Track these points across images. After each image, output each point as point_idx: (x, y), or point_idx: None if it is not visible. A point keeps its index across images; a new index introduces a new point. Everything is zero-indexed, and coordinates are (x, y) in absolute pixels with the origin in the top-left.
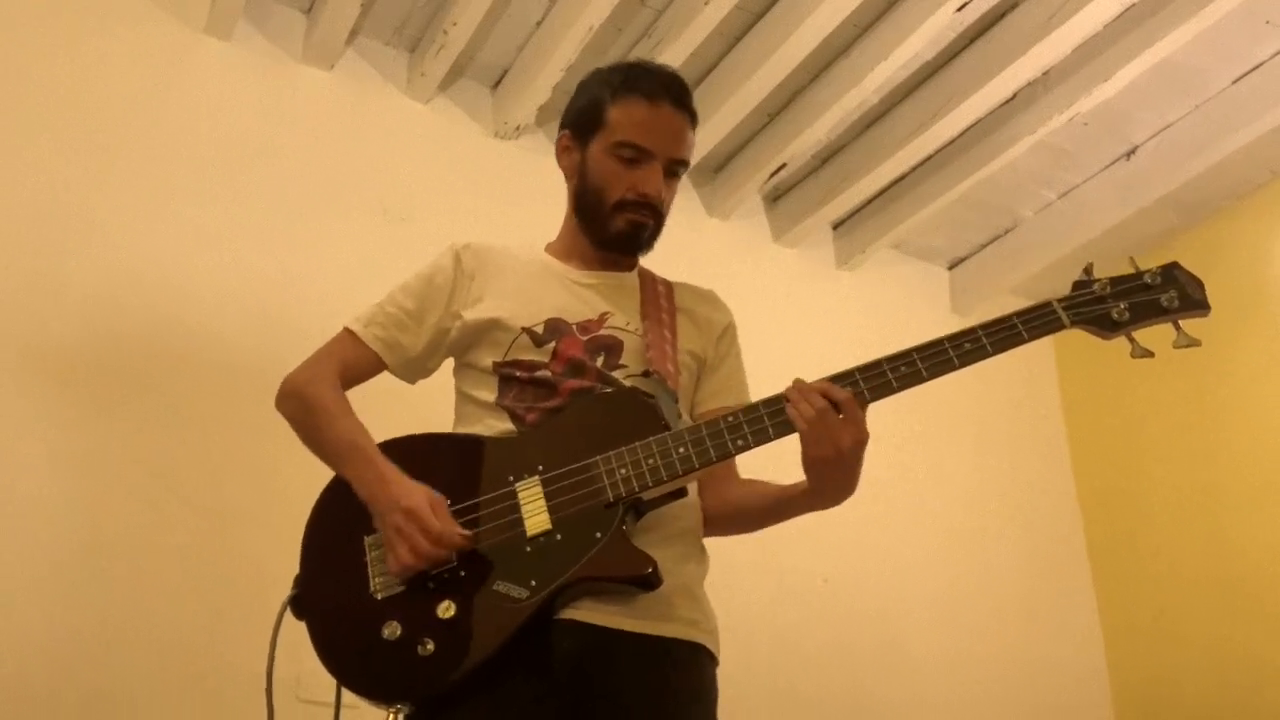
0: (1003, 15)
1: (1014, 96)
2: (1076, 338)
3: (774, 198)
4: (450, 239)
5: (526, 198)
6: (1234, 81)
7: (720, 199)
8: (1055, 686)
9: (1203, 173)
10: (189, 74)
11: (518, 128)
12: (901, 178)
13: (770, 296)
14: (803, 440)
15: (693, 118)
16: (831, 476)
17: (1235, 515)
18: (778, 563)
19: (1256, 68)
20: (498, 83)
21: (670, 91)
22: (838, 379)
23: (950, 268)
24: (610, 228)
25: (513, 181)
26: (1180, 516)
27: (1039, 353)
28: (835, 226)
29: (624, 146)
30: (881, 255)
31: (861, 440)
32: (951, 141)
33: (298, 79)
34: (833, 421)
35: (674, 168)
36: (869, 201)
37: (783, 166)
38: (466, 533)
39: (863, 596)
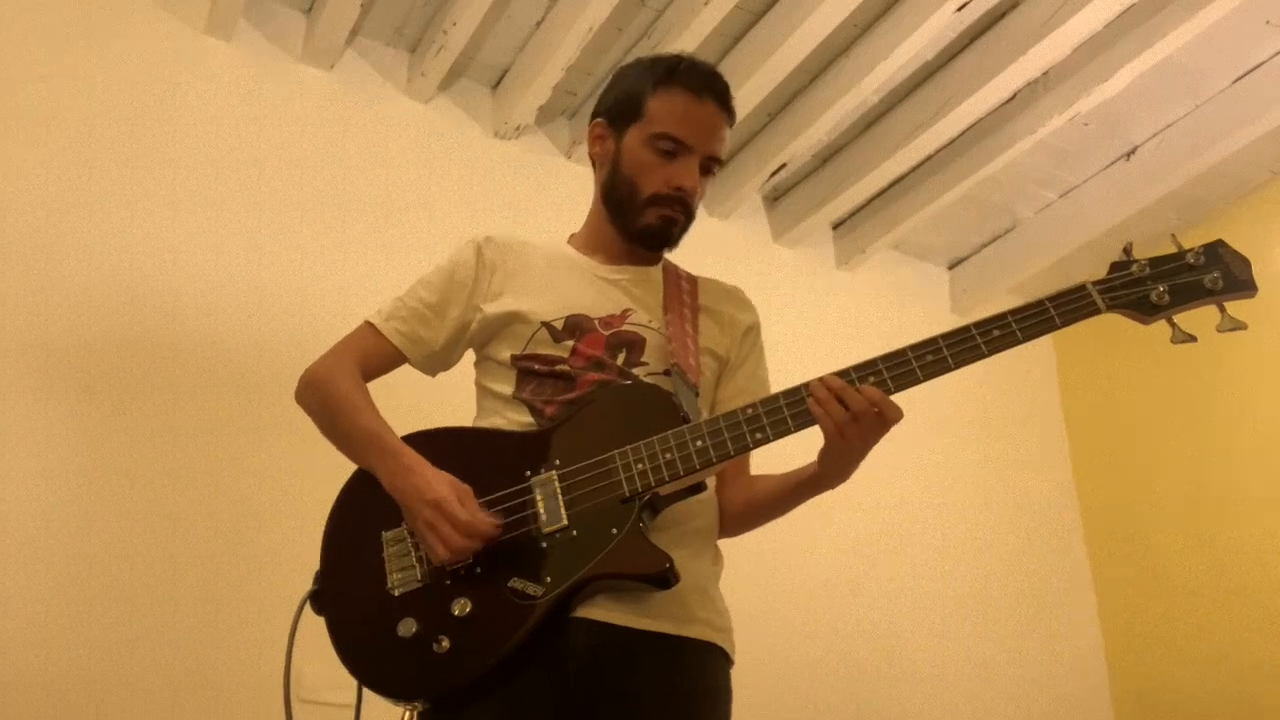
0: (1003, 15)
1: (1014, 96)
2: (1078, 338)
3: (774, 198)
4: (450, 239)
5: (527, 198)
6: (1234, 81)
7: (720, 199)
8: (1056, 691)
9: (1203, 173)
10: (189, 74)
11: (518, 128)
12: (901, 178)
13: (770, 296)
14: (827, 436)
15: (731, 117)
16: (846, 466)
17: (1236, 518)
18: (777, 566)
19: (1256, 68)
20: (498, 83)
21: (714, 88)
22: (861, 369)
23: (950, 268)
24: (640, 221)
25: (513, 181)
26: (1181, 520)
27: (1040, 355)
28: (835, 226)
29: (663, 139)
30: (881, 255)
31: (883, 433)
32: (951, 141)
33: (298, 79)
34: (867, 422)
35: (709, 165)
36: (869, 201)
37: (783, 166)
38: (496, 521)
39: (863, 599)
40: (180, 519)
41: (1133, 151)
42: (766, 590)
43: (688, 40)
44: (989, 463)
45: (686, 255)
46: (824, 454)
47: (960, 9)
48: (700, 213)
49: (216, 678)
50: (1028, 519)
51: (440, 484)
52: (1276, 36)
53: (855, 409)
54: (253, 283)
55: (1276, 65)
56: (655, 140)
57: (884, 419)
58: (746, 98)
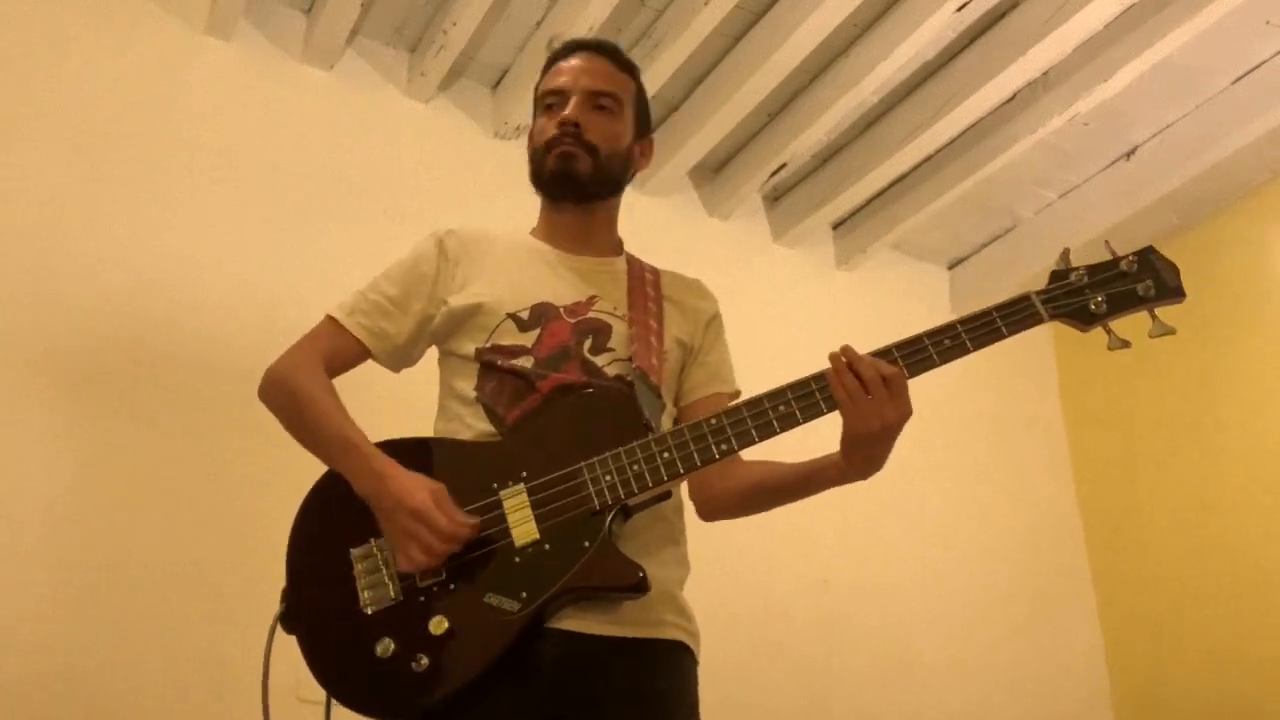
0: (1003, 15)
1: (1014, 96)
2: (1078, 339)
3: (774, 198)
4: None
5: (527, 198)
6: (1234, 81)
7: (720, 199)
8: (1056, 691)
9: (1203, 173)
10: (189, 74)
11: (518, 128)
12: (901, 178)
13: (770, 296)
14: (845, 415)
15: (609, 57)
16: (868, 451)
17: (1235, 518)
18: (778, 563)
19: (1256, 68)
20: (498, 83)
21: (581, 45)
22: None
23: (950, 268)
24: (545, 169)
25: (513, 181)
26: (1180, 520)
27: (1039, 355)
28: (835, 226)
29: (543, 98)
30: (881, 255)
31: (905, 415)
32: (951, 141)
33: (298, 79)
34: (881, 396)
35: (598, 100)
36: (869, 201)
37: (783, 166)
38: (474, 521)
39: (863, 598)
40: (183, 515)
41: (1133, 151)
42: (768, 581)
43: (688, 40)
44: (989, 463)
45: (687, 255)
46: (844, 440)
47: (960, 9)
48: (700, 213)
49: (219, 673)
50: (1028, 519)
51: (417, 490)
52: (1276, 36)
53: (865, 377)
54: (252, 282)
55: (1276, 65)
56: (541, 104)
57: (891, 386)
58: (746, 98)
